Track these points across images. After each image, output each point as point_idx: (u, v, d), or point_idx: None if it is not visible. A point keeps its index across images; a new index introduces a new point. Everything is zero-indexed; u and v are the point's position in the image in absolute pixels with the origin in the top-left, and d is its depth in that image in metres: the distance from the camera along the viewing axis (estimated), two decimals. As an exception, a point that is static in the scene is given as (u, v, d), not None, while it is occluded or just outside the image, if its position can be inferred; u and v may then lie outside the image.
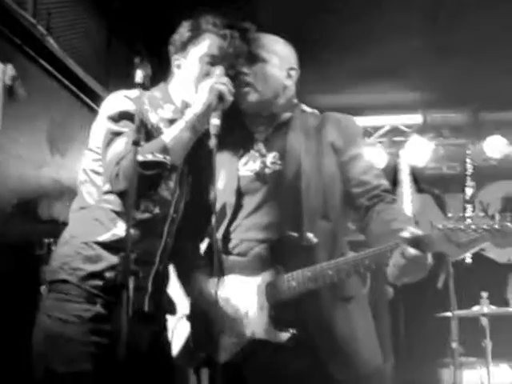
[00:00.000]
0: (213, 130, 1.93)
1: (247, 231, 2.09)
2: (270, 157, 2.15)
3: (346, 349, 1.96)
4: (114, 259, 2.00)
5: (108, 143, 2.02)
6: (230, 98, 2.05)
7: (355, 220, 2.11)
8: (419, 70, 5.18)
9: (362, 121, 6.04)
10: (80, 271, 2.01)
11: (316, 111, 2.29)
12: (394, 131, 6.28)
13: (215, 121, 1.95)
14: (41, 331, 2.02)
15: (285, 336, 1.92)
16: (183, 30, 2.20)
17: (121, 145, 1.98)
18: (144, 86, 1.80)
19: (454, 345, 4.33)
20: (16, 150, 2.96)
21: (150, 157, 1.83)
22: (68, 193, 2.24)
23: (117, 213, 2.05)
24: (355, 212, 2.10)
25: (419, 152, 5.99)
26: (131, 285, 1.93)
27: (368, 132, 6.20)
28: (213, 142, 1.88)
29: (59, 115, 3.38)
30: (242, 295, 2.04)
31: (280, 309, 1.97)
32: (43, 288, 2.09)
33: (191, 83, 2.15)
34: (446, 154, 6.12)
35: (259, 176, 2.13)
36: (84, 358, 1.94)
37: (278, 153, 2.15)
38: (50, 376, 1.96)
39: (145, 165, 1.85)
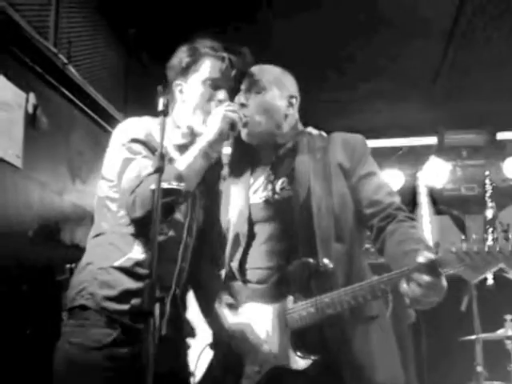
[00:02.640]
0: (225, 160, 1.94)
1: (263, 259, 2.07)
2: (279, 183, 2.14)
3: (367, 371, 1.93)
4: (130, 283, 2.01)
5: (122, 171, 2.04)
6: (240, 126, 2.07)
7: (371, 241, 2.08)
8: (437, 90, 5.20)
9: (380, 142, 6.05)
10: (97, 296, 2.02)
11: (323, 133, 2.27)
12: (412, 152, 6.26)
13: (227, 149, 1.97)
14: (61, 357, 2.02)
15: (307, 363, 1.90)
16: (182, 55, 2.21)
17: (134, 172, 2.00)
18: (165, 113, 1.82)
19: (479, 368, 4.25)
20: (38, 176, 3.00)
21: (165, 185, 1.84)
22: (89, 219, 2.26)
23: (133, 236, 2.06)
24: (370, 233, 2.07)
25: (437, 173, 5.96)
26: (157, 311, 1.94)
27: (386, 153, 6.19)
28: (225, 171, 1.89)
29: (80, 142, 3.44)
30: (262, 323, 2.02)
31: (301, 335, 1.95)
32: (64, 314, 2.10)
33: (195, 108, 2.17)
34: (464, 175, 6.08)
35: (269, 203, 2.12)
36: (104, 382, 1.94)
37: (287, 178, 2.13)
38: None
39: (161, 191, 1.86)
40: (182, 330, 2.18)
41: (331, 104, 5.16)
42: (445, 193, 6.39)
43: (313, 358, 1.90)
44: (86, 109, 3.51)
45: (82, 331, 2.00)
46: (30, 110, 2.92)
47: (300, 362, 1.91)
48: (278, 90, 2.19)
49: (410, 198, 6.29)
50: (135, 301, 1.99)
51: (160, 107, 1.80)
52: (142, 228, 2.02)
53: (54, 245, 3.07)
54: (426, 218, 6.26)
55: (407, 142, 6.25)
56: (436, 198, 6.34)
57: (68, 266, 2.85)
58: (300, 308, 1.95)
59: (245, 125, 2.14)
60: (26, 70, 2.93)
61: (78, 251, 2.24)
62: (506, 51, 4.56)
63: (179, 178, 1.96)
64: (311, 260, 1.98)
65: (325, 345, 1.92)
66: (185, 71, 2.20)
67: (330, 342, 1.93)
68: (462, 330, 4.48)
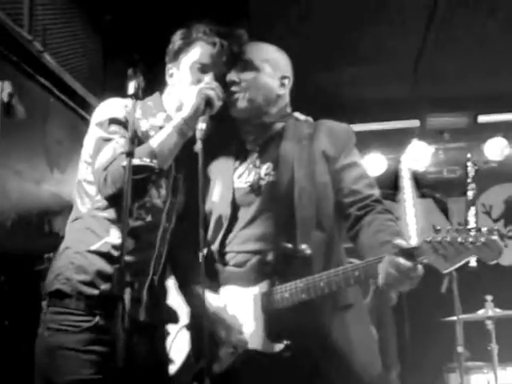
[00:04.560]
0: (199, 135, 1.93)
1: (243, 243, 2.09)
2: (264, 168, 2.15)
3: (343, 358, 1.96)
4: (107, 267, 2.01)
5: (97, 150, 2.04)
6: (218, 103, 2.06)
7: (346, 229, 2.09)
8: (418, 74, 5.20)
9: (362, 126, 6.05)
10: (73, 281, 2.01)
11: (310, 119, 2.27)
12: (394, 136, 6.27)
13: (201, 125, 1.95)
14: (41, 345, 2.04)
15: (279, 347, 1.92)
16: (175, 39, 2.23)
17: (109, 151, 1.99)
18: (137, 97, 1.81)
19: (460, 349, 4.31)
20: (15, 166, 2.97)
21: (136, 161, 1.83)
22: (68, 208, 2.25)
23: (110, 220, 2.06)
24: (346, 222, 2.09)
25: (419, 156, 5.98)
26: (127, 296, 1.94)
27: (367, 137, 6.18)
28: (198, 146, 1.88)
29: (58, 131, 3.40)
30: (238, 306, 2.04)
31: (276, 319, 1.97)
32: (43, 303, 2.10)
33: (182, 91, 2.17)
34: (447, 158, 6.10)
35: (254, 188, 2.13)
36: (83, 366, 1.95)
37: (272, 163, 2.14)
38: None
39: (132, 169, 1.84)
40: (160, 316, 2.19)
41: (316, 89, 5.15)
42: (427, 176, 6.43)
43: (285, 342, 1.91)
44: (63, 97, 3.47)
45: (61, 318, 2.01)
46: (5, 98, 2.88)
47: (272, 346, 1.93)
48: (271, 69, 2.19)
49: (393, 182, 6.32)
50: (105, 286, 1.99)
51: (130, 90, 1.79)
52: (119, 212, 2.01)
53: (32, 234, 3.05)
54: (409, 202, 6.29)
55: (389, 125, 6.26)
56: (419, 181, 6.38)
57: (47, 255, 2.84)
58: (276, 292, 1.97)
59: (234, 101, 2.14)
60: (1, 58, 2.89)
61: (57, 240, 2.23)
62: (486, 34, 4.57)
63: (152, 154, 1.96)
64: (290, 245, 2.00)
65: (300, 330, 1.93)
66: (176, 55, 2.22)
67: (306, 327, 1.94)
68: (443, 310, 4.53)
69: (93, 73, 3.88)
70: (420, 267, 1.77)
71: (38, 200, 3.20)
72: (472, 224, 5.83)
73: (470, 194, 5.92)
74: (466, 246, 1.67)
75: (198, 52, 2.18)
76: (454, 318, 4.36)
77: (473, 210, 6.03)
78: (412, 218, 6.27)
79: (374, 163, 5.99)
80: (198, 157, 1.86)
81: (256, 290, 2.01)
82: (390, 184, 6.33)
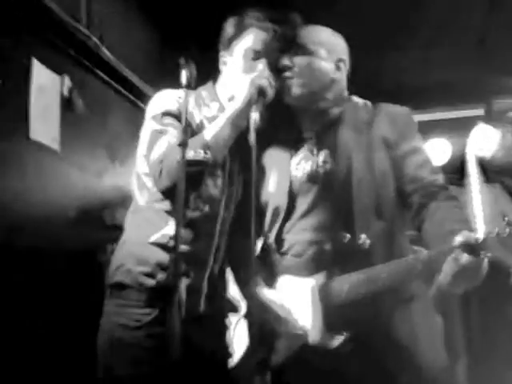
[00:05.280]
0: (252, 125, 1.88)
1: (301, 232, 2.05)
2: (321, 156, 2.09)
3: (407, 352, 1.88)
4: (166, 258, 2.01)
5: (152, 143, 2.03)
6: (271, 93, 2.01)
7: (411, 218, 2.01)
8: (483, 57, 5.01)
9: (427, 112, 5.89)
10: (134, 272, 2.03)
11: (368, 103, 2.19)
12: (460, 121, 6.09)
13: (255, 115, 1.91)
14: (103, 336, 2.07)
15: (339, 340, 1.87)
16: (228, 27, 2.20)
17: (164, 144, 1.98)
18: (189, 87, 1.79)
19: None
20: (76, 159, 3.02)
21: (191, 154, 1.81)
22: (129, 200, 2.27)
23: (168, 212, 2.06)
24: (409, 210, 2.00)
25: (486, 141, 5.77)
26: (183, 286, 1.94)
27: (433, 124, 6.03)
28: (252, 137, 1.84)
29: (117, 123, 3.44)
30: (296, 297, 2.00)
31: (335, 311, 1.91)
32: (106, 294, 2.13)
33: (236, 79, 2.14)
34: (515, 142, 5.86)
35: (311, 176, 2.08)
36: (143, 362, 1.96)
37: (330, 151, 2.07)
38: (110, 379, 1.99)
39: (186, 162, 1.83)
40: (220, 307, 2.18)
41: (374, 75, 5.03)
42: (495, 161, 6.20)
43: (345, 335, 1.86)
44: (121, 90, 3.52)
45: (122, 310, 2.04)
46: (66, 92, 2.93)
47: (332, 339, 1.88)
48: (326, 52, 2.12)
49: (459, 167, 6.13)
50: (162, 276, 1.99)
51: (183, 80, 1.76)
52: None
53: (95, 227, 3.10)
54: (476, 187, 6.09)
55: (455, 110, 6.08)
56: (486, 167, 6.16)
57: (109, 246, 2.89)
58: (334, 284, 1.92)
59: (288, 87, 2.09)
60: (59, 53, 2.94)
61: (119, 232, 2.26)
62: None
63: (206, 147, 1.94)
64: (348, 235, 1.94)
65: (360, 323, 1.88)
66: (229, 43, 2.19)
67: (366, 320, 1.89)
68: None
69: (150, 64, 3.92)
70: (485, 263, 1.67)
71: (100, 192, 3.25)
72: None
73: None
74: None
75: (251, 39, 2.14)
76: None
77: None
78: (479, 204, 6.07)
79: (439, 149, 5.83)
80: (252, 149, 1.82)
81: (314, 281, 1.97)
82: (456, 169, 6.15)
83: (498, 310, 4.94)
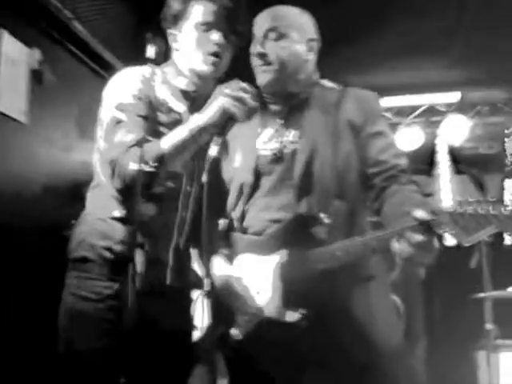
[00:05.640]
0: (208, 163, 1.80)
1: (263, 211, 2.06)
2: (288, 136, 2.10)
3: (363, 329, 1.93)
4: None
5: (108, 133, 2.01)
6: (242, 116, 1.92)
7: (371, 201, 2.04)
8: (457, 47, 5.06)
9: (399, 100, 5.94)
10: (97, 247, 2.03)
11: (336, 86, 2.20)
12: (432, 110, 6.15)
13: (212, 151, 1.82)
14: (64, 309, 2.06)
15: (295, 316, 1.90)
16: (172, 3, 2.13)
17: (117, 144, 1.95)
18: (156, 62, 1.76)
19: (489, 326, 4.24)
20: (44, 133, 3.00)
21: (142, 167, 1.78)
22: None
23: None
24: (370, 192, 2.03)
25: (457, 131, 5.85)
26: (142, 258, 1.95)
27: (405, 111, 6.08)
28: (205, 177, 1.77)
29: (87, 99, 3.41)
30: (256, 274, 2.02)
31: (294, 288, 1.94)
32: (68, 268, 2.13)
33: (191, 52, 2.10)
34: (484, 133, 5.96)
35: (277, 156, 2.08)
36: (103, 335, 1.97)
37: (296, 131, 2.08)
38: (70, 352, 2.00)
39: (137, 172, 1.80)
40: (187, 280, 2.18)
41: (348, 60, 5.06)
42: (464, 151, 6.29)
43: (301, 311, 1.90)
44: (93, 65, 3.49)
45: (83, 283, 2.03)
46: (35, 65, 2.90)
47: (288, 315, 1.91)
48: (298, 33, 2.10)
49: (428, 156, 6.21)
50: (122, 249, 2.00)
51: (148, 54, 1.74)
52: None
53: (61, 201, 3.09)
54: (445, 177, 6.18)
55: (427, 99, 6.13)
56: (455, 157, 6.25)
57: (74, 221, 2.88)
58: (293, 261, 1.95)
59: (262, 74, 2.08)
60: (30, 25, 2.91)
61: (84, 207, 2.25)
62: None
63: (160, 159, 1.90)
64: (309, 214, 1.97)
65: (318, 301, 1.91)
66: (176, 19, 2.12)
67: (324, 298, 1.92)
68: (474, 287, 4.44)
69: (124, 41, 3.87)
70: (435, 240, 1.72)
71: (68, 168, 3.23)
72: (507, 201, 5.70)
73: (507, 170, 5.78)
74: (488, 219, 1.61)
75: (200, 12, 2.09)
76: (484, 294, 4.28)
77: (509, 186, 5.89)
78: (447, 193, 6.16)
79: (411, 137, 5.90)
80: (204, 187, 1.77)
81: (274, 259, 2.00)
82: (426, 159, 6.23)
83: (459, 295, 5.04)
